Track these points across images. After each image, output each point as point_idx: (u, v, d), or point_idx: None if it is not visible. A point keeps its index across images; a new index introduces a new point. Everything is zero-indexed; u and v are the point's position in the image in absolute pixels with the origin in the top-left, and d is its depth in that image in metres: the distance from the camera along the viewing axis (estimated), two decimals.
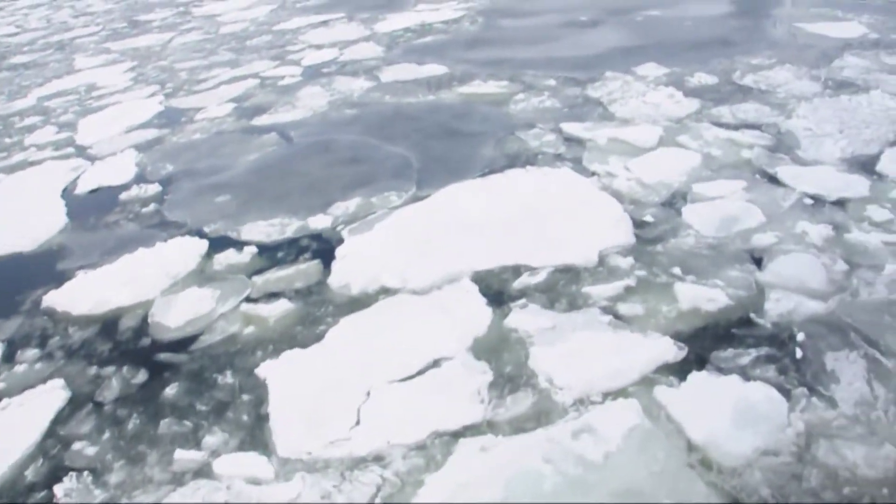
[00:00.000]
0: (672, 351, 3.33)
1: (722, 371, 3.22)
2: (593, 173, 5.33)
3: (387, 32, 10.92)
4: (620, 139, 5.80)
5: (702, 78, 7.11)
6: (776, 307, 3.58)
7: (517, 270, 4.15)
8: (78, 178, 6.77)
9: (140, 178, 6.50)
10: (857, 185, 4.74)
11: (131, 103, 8.98)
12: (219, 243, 5.01)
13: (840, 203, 4.56)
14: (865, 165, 5.06)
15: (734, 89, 6.78)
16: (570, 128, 6.14)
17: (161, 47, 12.39)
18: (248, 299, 4.29)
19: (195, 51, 11.62)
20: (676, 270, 3.96)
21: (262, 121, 7.76)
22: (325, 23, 12.35)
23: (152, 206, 5.89)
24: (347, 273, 4.37)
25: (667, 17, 10.03)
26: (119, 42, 13.46)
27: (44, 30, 16.69)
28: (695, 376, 3.18)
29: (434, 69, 8.60)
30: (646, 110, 6.38)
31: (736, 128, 5.86)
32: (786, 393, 3.04)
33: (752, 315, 3.57)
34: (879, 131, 5.49)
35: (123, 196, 6.14)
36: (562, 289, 3.93)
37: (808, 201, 4.62)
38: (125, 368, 3.87)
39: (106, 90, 9.81)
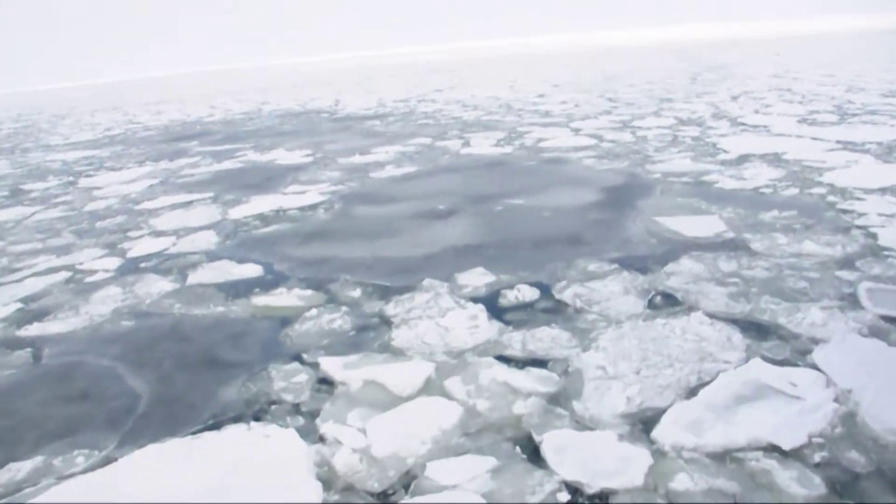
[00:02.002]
0: None
1: None
2: (321, 437, 4.22)
3: (237, 219, 10.16)
4: (378, 382, 4.77)
5: (521, 291, 6.24)
6: None
7: None
8: None
9: None
10: (632, 468, 3.68)
11: None
12: None
13: (601, 496, 3.48)
14: (650, 425, 4.03)
15: (547, 307, 5.90)
16: (331, 364, 5.11)
17: (14, 224, 11.50)
18: None
19: (41, 231, 10.74)
20: None
21: (29, 331, 6.70)
22: (188, 204, 11.64)
23: None
24: None
25: (528, 206, 9.43)
26: None
27: None
28: None
29: (249, 270, 7.74)
30: (431, 338, 5.41)
31: (522, 365, 4.88)
32: None
33: None
34: (681, 373, 4.53)
35: None
36: None
37: (564, 498, 3.52)
38: None
39: None
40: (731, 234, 7.43)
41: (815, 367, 4.49)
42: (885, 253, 6.48)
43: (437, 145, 15.64)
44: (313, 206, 10.46)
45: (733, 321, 5.29)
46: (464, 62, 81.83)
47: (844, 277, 5.90)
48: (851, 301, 5.43)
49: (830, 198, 8.69)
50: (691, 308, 5.55)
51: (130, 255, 8.91)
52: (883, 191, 8.76)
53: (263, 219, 10.02)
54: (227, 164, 15.66)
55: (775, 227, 7.59)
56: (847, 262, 6.28)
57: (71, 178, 16.02)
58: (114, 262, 8.61)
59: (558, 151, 13.54)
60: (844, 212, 8.03)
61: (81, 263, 8.70)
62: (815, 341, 4.84)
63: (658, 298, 5.83)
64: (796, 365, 4.55)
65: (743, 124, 15.58)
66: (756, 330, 5.13)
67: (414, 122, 20.81)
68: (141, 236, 9.79)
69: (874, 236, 7.02)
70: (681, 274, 6.33)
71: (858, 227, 7.34)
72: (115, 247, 9.35)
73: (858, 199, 8.53)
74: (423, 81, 45.89)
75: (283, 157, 15.98)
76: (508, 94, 28.40)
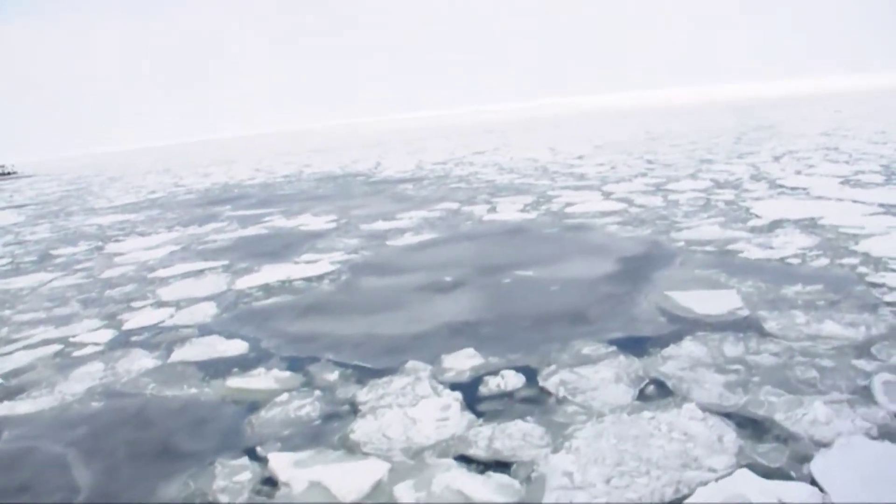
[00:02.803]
0: None
1: None
2: None
3: (241, 289, 9.95)
4: (324, 485, 4.35)
5: (504, 378, 5.78)
6: None
7: None
8: None
9: None
10: None
11: None
12: None
13: None
14: None
15: (528, 397, 5.42)
16: (279, 462, 4.71)
17: (29, 291, 11.54)
18: None
19: (52, 299, 10.73)
20: None
21: None
22: (199, 272, 11.52)
23: None
24: None
25: (537, 279, 8.97)
26: (2, 280, 12.69)
27: None
28: None
29: (235, 347, 7.48)
30: (394, 431, 4.97)
31: (483, 468, 4.39)
32: None
33: None
34: (657, 483, 3.99)
35: None
36: None
37: None
38: None
39: None
40: (745, 312, 6.82)
41: (811, 478, 3.86)
42: None
43: (462, 210, 15.34)
44: (320, 277, 10.18)
45: (728, 416, 4.72)
46: (521, 121, 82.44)
47: (861, 367, 5.26)
48: (865, 395, 4.80)
49: (862, 269, 8.01)
50: (684, 399, 4.98)
51: (126, 327, 8.73)
52: None
53: (267, 290, 9.77)
54: (252, 230, 15.63)
55: (796, 303, 6.95)
56: (868, 348, 5.62)
57: (99, 244, 16.20)
58: (107, 335, 8.44)
59: (584, 217, 13.08)
60: (875, 286, 7.34)
61: (76, 336, 8.56)
62: (817, 444, 4.21)
63: (650, 388, 5.29)
64: (790, 476, 3.93)
65: (781, 186, 14.89)
66: (752, 428, 4.55)
67: (446, 185, 20.64)
68: (144, 307, 9.64)
69: None
70: (680, 358, 5.76)
71: (888, 305, 6.65)
72: (115, 318, 9.19)
73: (893, 270, 7.81)
74: (469, 143, 46.16)
75: (309, 222, 15.89)
76: (547, 156, 28.16)
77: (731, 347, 5.89)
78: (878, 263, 8.17)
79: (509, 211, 14.75)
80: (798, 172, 17.04)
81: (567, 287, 8.47)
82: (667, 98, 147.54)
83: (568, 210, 14.09)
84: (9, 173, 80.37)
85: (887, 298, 6.89)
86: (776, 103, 70.26)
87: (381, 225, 14.45)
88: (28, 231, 20.78)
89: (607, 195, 15.73)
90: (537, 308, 7.77)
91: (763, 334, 6.15)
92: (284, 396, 5.93)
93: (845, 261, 8.46)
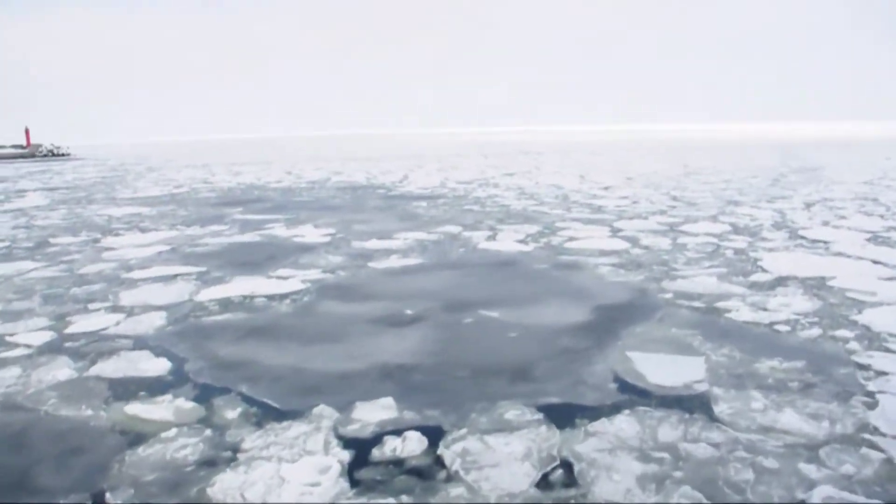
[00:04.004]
0: None
1: None
2: None
3: (200, 301, 9.60)
4: None
5: (405, 441, 5.25)
6: None
7: None
8: None
9: None
10: None
11: None
12: None
13: None
14: None
15: (417, 468, 4.89)
16: None
17: (2, 280, 11.29)
18: None
19: (18, 291, 10.53)
20: None
21: None
22: (172, 278, 11.19)
23: None
24: None
25: (500, 321, 8.36)
26: None
27: None
28: None
29: (156, 367, 7.12)
30: (254, 493, 4.49)
31: None
32: None
33: None
34: None
35: None
36: None
37: None
38: None
39: None
40: (702, 387, 6.12)
41: None
42: (876, 439, 5.02)
43: (462, 236, 14.78)
44: (283, 296, 9.73)
45: None
46: (573, 144, 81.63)
47: (806, 474, 4.53)
48: None
49: (854, 345, 7.21)
50: (584, 493, 4.30)
51: (69, 330, 8.41)
52: None
53: (225, 305, 9.35)
54: (248, 237, 15.32)
55: (764, 382, 6.22)
56: (822, 449, 4.87)
57: (98, 236, 16.07)
58: (44, 338, 8.12)
59: (580, 255, 12.40)
60: (860, 368, 6.56)
61: (14, 335, 8.26)
62: None
63: (556, 472, 4.64)
64: None
65: (802, 238, 13.98)
66: None
67: (460, 207, 20.11)
68: (98, 309, 9.32)
69: (876, 406, 5.55)
70: (605, 436, 5.10)
71: (865, 395, 5.88)
72: (64, 319, 8.88)
73: (888, 350, 7.01)
74: (504, 163, 45.61)
75: (306, 234, 15.51)
76: (573, 184, 27.43)
77: (668, 431, 5.20)
78: (874, 340, 7.36)
79: (508, 240, 14.14)
80: (825, 223, 16.07)
81: (527, 335, 7.84)
82: (726, 132, 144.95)
83: (567, 245, 13.42)
84: (63, 155, 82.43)
85: (868, 385, 6.11)
86: (831, 144, 68.07)
87: (373, 244, 13.97)
88: (42, 216, 20.86)
89: (615, 232, 15.00)
90: (485, 357, 7.16)
91: (711, 419, 5.45)
92: (172, 432, 5.45)
93: (839, 333, 7.67)
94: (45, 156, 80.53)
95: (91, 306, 9.53)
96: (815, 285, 9.89)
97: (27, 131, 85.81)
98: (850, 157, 45.40)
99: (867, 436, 5.11)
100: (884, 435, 5.11)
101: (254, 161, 57.22)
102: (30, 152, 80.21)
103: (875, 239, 13.66)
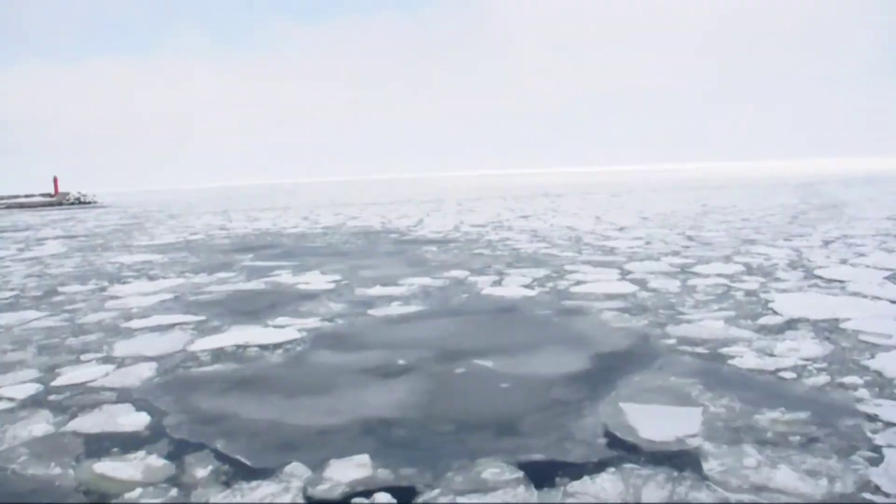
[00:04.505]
0: None
1: None
2: None
3: (193, 351, 9.49)
4: None
5: None
6: None
7: None
8: None
9: None
10: None
11: None
12: None
13: None
14: None
15: None
16: None
17: (3, 331, 11.28)
18: None
19: (14, 342, 10.50)
20: None
21: None
22: (169, 327, 11.11)
23: None
24: None
25: (492, 371, 8.12)
26: None
27: None
28: None
29: (134, 422, 6.97)
30: None
31: None
32: None
33: None
34: None
35: None
36: None
37: None
38: None
39: None
40: (695, 442, 5.80)
41: None
42: (877, 498, 4.67)
43: (468, 281, 14.59)
44: (277, 346, 9.57)
45: None
46: (584, 186, 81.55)
47: None
48: None
49: (863, 392, 6.86)
50: None
51: (56, 382, 8.31)
52: None
53: (217, 356, 9.22)
54: (252, 285, 15.25)
55: (762, 436, 5.89)
56: None
57: (105, 284, 16.11)
58: (29, 391, 8.03)
59: (585, 299, 12.13)
60: (868, 419, 6.20)
61: (0, 388, 8.09)
62: None
63: None
64: None
65: (817, 277, 13.59)
66: None
67: (470, 251, 19.95)
68: (90, 360, 9.25)
69: (880, 462, 5.19)
70: (585, 497, 4.80)
71: (869, 450, 5.52)
72: (53, 371, 8.80)
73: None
74: (520, 206, 45.55)
75: (311, 281, 15.41)
76: (588, 226, 27.20)
77: (653, 490, 4.89)
78: (885, 387, 7.00)
79: (513, 285, 13.91)
80: (843, 261, 15.65)
81: (518, 386, 7.58)
82: (749, 170, 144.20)
83: (574, 289, 13.15)
84: (89, 202, 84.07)
85: (874, 439, 5.75)
86: (857, 180, 67.19)
87: (376, 291, 13.81)
88: (56, 264, 21.05)
89: (625, 275, 14.71)
90: (471, 410, 6.90)
91: (700, 477, 5.13)
92: (137, 493, 5.26)
93: (848, 380, 7.32)
94: (72, 203, 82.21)
95: (83, 357, 9.44)
96: (827, 328, 9.53)
97: (55, 180, 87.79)
98: (875, 192, 44.74)
99: (867, 495, 4.75)
100: (886, 494, 4.74)
101: (272, 207, 57.74)
102: (57, 200, 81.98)
103: (894, 277, 13.22)
